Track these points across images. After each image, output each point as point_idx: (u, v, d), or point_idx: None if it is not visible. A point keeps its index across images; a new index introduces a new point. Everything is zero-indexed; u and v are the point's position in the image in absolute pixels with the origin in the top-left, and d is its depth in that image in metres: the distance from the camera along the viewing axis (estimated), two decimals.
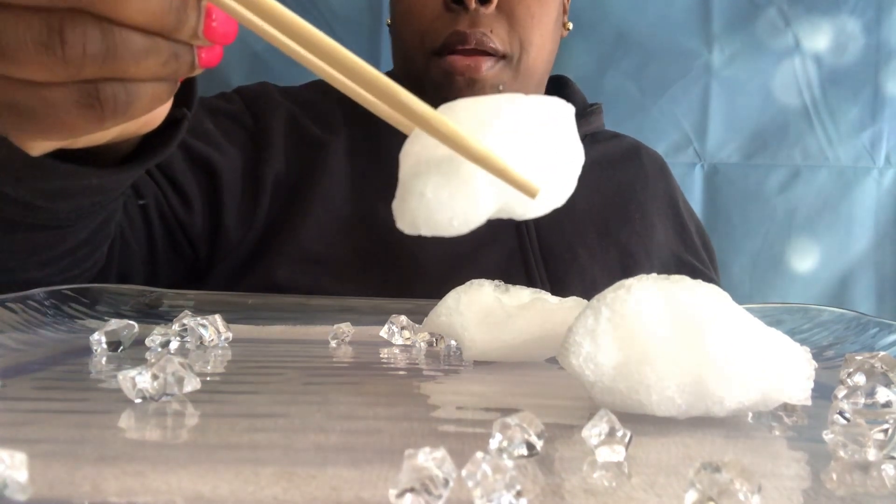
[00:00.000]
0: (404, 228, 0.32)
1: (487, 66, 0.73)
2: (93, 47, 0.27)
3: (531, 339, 0.44)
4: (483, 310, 0.45)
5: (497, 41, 0.73)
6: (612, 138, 0.92)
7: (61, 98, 0.28)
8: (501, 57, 0.74)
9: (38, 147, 0.34)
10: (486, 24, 0.73)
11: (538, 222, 0.78)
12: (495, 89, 0.75)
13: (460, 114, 0.31)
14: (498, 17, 0.73)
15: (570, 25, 0.86)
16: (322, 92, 0.83)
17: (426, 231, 0.32)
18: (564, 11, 0.84)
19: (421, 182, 0.30)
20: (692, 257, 0.86)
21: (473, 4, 0.72)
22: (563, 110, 0.34)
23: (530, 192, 0.31)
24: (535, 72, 0.78)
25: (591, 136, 0.89)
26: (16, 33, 0.26)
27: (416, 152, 0.31)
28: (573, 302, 0.46)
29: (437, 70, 0.75)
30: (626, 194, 0.85)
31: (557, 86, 0.92)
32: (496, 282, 0.48)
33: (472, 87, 0.74)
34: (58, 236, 0.48)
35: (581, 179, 0.82)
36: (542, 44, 0.77)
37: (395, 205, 0.32)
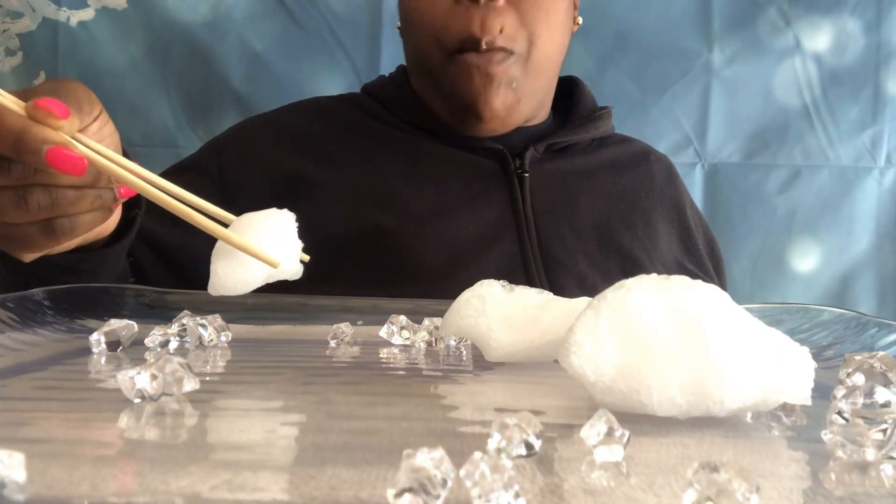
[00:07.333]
0: (212, 292, 0.46)
1: (498, 59, 0.76)
2: (43, 202, 0.45)
3: (555, 340, 0.44)
4: (505, 311, 0.45)
5: (506, 41, 0.76)
6: (620, 143, 0.92)
7: (30, 231, 0.46)
8: (511, 53, 0.76)
9: (28, 257, 0.51)
10: (497, 19, 0.75)
11: (539, 228, 0.79)
12: (509, 87, 0.77)
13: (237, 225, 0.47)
14: (507, 9, 0.76)
15: (580, 20, 0.86)
16: (310, 115, 0.86)
17: (223, 293, 0.46)
18: (574, 6, 0.85)
19: (216, 264, 0.46)
20: (695, 265, 0.86)
21: None
22: (287, 218, 0.48)
23: (272, 264, 0.46)
24: (545, 66, 0.80)
25: (600, 141, 0.89)
26: None
27: (216, 249, 0.47)
28: (587, 302, 0.46)
29: (454, 69, 0.77)
30: (632, 200, 0.85)
31: (568, 86, 0.92)
32: (502, 282, 0.48)
33: (489, 84, 0.76)
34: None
35: (587, 184, 0.86)
36: (550, 36, 0.79)
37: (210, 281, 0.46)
